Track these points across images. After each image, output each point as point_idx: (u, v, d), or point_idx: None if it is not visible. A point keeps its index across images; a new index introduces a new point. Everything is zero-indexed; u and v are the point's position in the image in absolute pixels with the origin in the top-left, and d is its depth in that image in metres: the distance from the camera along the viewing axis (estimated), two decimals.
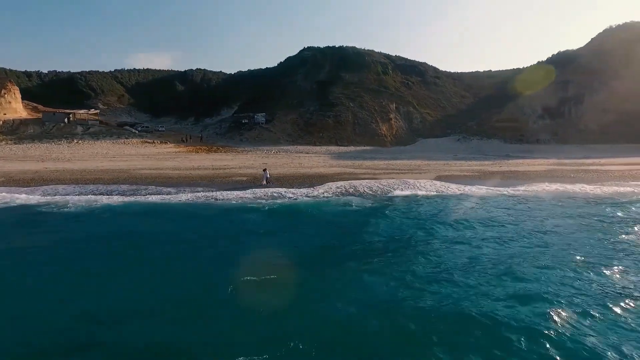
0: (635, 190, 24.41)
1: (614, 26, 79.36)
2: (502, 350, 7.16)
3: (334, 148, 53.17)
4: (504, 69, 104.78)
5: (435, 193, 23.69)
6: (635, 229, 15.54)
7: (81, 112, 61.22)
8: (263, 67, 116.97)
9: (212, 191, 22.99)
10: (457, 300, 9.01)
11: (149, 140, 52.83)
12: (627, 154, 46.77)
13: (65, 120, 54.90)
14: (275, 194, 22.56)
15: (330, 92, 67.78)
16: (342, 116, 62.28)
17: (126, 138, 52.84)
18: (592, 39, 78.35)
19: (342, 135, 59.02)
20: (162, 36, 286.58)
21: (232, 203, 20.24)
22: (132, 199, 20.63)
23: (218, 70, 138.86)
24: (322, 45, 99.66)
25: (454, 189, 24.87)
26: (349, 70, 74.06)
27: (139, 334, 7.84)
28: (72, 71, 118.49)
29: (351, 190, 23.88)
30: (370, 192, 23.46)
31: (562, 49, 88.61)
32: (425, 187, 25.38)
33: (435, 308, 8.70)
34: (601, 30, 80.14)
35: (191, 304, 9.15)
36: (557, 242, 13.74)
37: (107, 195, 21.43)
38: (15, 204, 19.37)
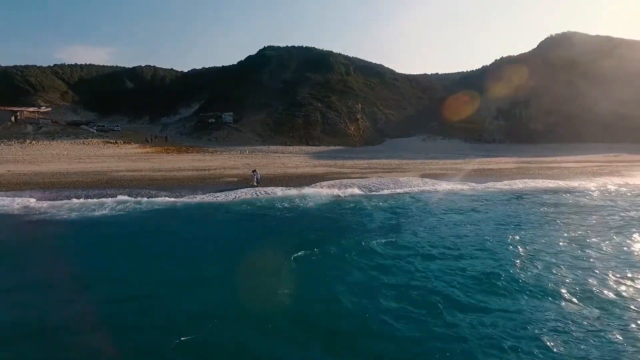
0: (598, 184, 27.16)
1: (554, 35, 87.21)
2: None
3: (306, 148, 53.26)
4: (450, 72, 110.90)
5: (429, 190, 24.73)
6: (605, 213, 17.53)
7: (30, 110, 55.94)
8: (219, 66, 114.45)
9: (210, 193, 22.34)
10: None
11: (111, 141, 49.61)
12: (573, 152, 51.58)
13: (12, 118, 49.88)
14: (279, 195, 22.38)
15: (298, 92, 67.79)
16: (311, 116, 62.54)
17: (85, 138, 49.17)
18: (537, 45, 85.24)
19: (313, 135, 59.31)
20: (97, 30, 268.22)
21: (242, 204, 19.83)
22: (130, 204, 19.41)
23: (169, 67, 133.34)
24: (277, 45, 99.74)
25: (444, 186, 26.12)
26: (314, 70, 74.52)
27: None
28: (2, 65, 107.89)
29: (350, 189, 24.22)
30: (369, 191, 23.96)
31: (505, 55, 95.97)
32: (418, 184, 26.39)
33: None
34: (543, 39, 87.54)
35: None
36: (554, 225, 15.09)
37: (97, 198, 20.04)
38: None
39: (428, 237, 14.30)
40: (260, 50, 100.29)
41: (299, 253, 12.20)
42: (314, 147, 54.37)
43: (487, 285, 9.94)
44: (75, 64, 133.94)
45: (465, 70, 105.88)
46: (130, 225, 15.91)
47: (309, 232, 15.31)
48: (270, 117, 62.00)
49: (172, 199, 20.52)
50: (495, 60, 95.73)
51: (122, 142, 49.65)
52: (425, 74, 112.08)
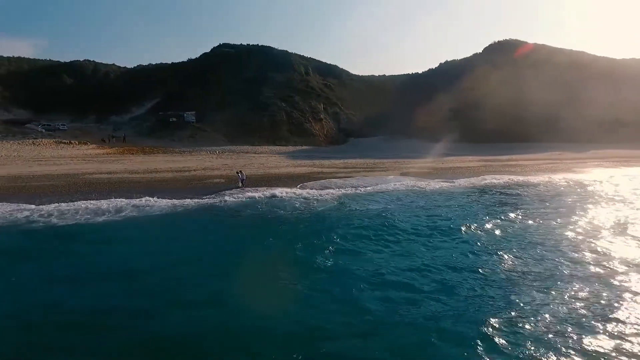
0: (560, 179, 30.00)
1: (495, 42, 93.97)
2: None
3: (275, 148, 52.92)
4: (395, 74, 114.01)
5: (421, 187, 25.78)
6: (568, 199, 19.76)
7: None
8: (168, 62, 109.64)
9: (208, 196, 21.70)
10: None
11: (64, 141, 45.79)
12: (522, 151, 56.21)
13: None
14: (278, 196, 22.14)
15: (261, 91, 66.98)
16: (276, 116, 62.17)
17: (34, 138, 44.93)
18: (482, 50, 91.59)
19: (279, 135, 58.96)
20: (17, 19, 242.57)
21: (247, 207, 19.45)
22: (128, 209, 18.23)
23: (109, 62, 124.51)
24: (228, 42, 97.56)
25: (432, 183, 27.31)
26: (275, 70, 73.96)
27: None
28: None
29: (348, 189, 24.55)
30: (366, 189, 24.45)
31: (450, 59, 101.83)
32: (408, 182, 27.35)
33: None
34: (487, 45, 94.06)
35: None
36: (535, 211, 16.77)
37: (88, 201, 18.64)
38: None
39: (443, 224, 15.26)
40: (215, 47, 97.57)
41: (347, 255, 12.41)
42: (283, 147, 54.15)
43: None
44: (1, 55, 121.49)
45: (409, 73, 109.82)
46: (143, 231, 15.09)
47: (339, 232, 15.41)
48: (235, 116, 60.63)
49: (169, 202, 19.60)
50: (440, 63, 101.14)
51: (77, 143, 46.08)
52: (373, 75, 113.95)
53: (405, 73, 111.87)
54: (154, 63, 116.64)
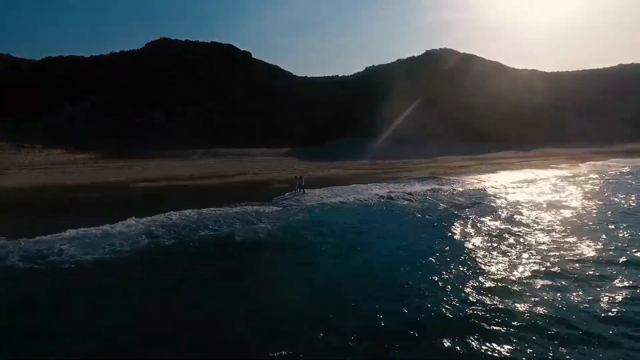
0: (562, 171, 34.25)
1: (432, 50, 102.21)
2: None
3: (268, 150, 51.18)
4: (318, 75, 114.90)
5: (475, 186, 27.55)
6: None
7: None
8: (96, 55, 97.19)
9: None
10: None
11: (26, 145, 38.67)
12: (483, 150, 61.92)
13: None
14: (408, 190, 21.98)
15: (228, 91, 63.78)
16: (249, 117, 59.82)
17: None
18: (420, 55, 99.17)
19: (256, 137, 56.72)
20: None
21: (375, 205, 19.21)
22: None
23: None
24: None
25: (470, 180, 29.25)
26: (239, 69, 70.90)
27: None
28: None
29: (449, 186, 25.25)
30: (462, 187, 25.40)
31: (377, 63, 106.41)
32: (458, 181, 28.80)
33: None
34: (424, 51, 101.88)
35: None
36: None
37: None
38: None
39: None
40: (152, 43, 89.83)
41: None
42: (265, 149, 52.42)
43: None
44: None
45: (330, 75, 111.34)
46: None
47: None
48: (207, 118, 56.86)
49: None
50: (367, 67, 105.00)
51: (41, 147, 39.29)
52: (315, 77, 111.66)
53: (330, 75, 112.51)
54: (64, 55, 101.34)
